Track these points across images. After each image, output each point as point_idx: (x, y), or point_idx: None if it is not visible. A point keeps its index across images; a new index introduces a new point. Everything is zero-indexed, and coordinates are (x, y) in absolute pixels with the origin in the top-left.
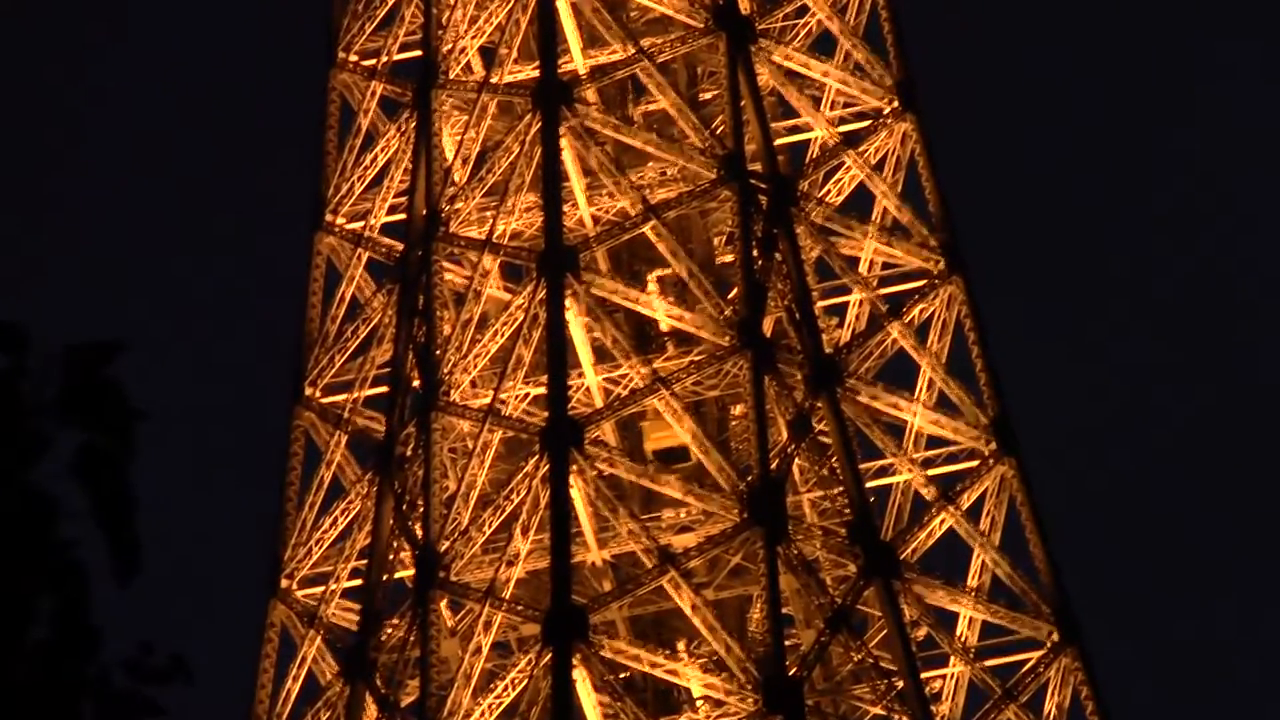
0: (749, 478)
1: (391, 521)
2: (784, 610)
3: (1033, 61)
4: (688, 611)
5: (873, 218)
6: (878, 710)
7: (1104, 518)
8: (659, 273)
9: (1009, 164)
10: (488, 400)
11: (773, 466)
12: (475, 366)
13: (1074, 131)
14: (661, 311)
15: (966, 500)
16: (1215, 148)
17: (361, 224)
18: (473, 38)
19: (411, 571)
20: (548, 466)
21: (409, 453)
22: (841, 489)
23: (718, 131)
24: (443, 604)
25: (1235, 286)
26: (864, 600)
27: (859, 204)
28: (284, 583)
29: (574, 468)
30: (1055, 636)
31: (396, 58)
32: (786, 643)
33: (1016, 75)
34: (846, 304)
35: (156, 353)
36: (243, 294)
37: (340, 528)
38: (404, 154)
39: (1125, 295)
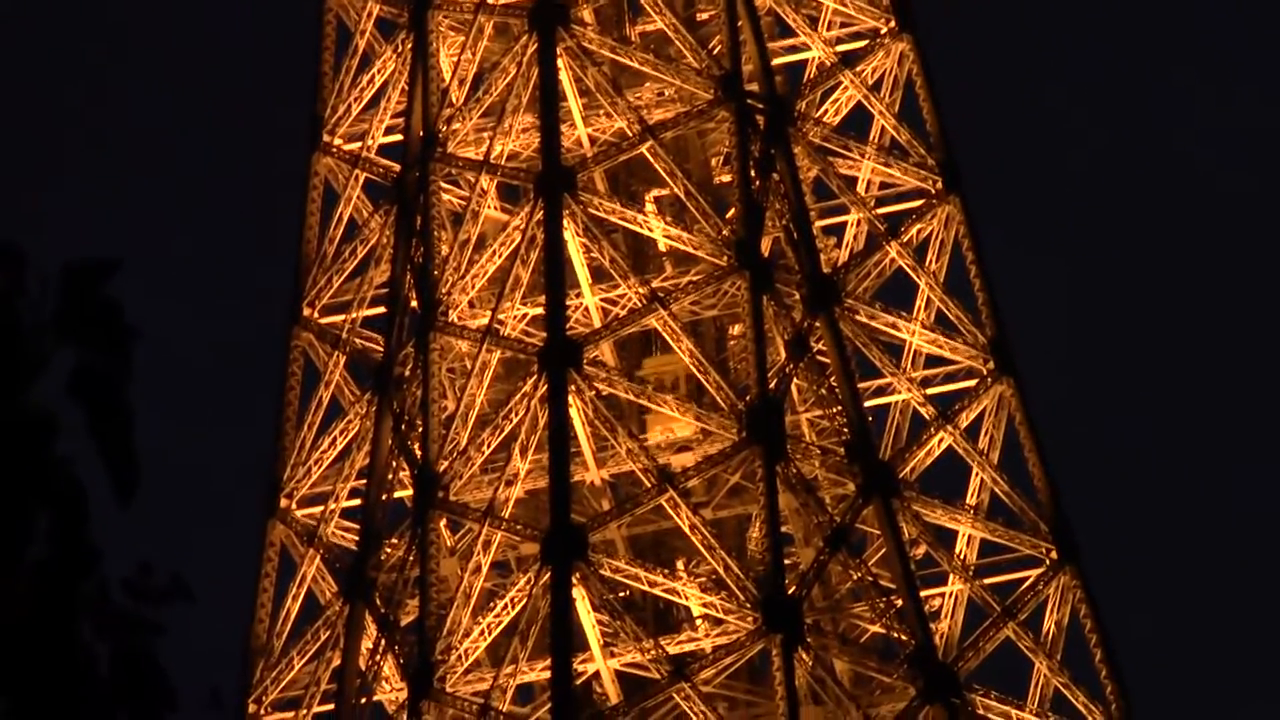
0: (747, 397)
1: (390, 441)
2: (783, 529)
3: None
4: (686, 531)
5: (870, 138)
6: (877, 628)
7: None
8: (656, 193)
9: (1007, 84)
10: (486, 320)
11: (771, 386)
12: (473, 287)
13: (1076, 54)
14: (659, 231)
15: (965, 419)
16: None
17: (359, 145)
18: None
19: (410, 491)
20: (546, 386)
21: (407, 373)
22: (840, 408)
23: (715, 52)
24: (442, 523)
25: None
26: (863, 519)
27: (856, 124)
28: (283, 502)
29: (572, 387)
30: (1054, 554)
31: None
32: (785, 561)
33: None
34: (844, 224)
35: (154, 273)
36: (240, 214)
37: (339, 448)
38: (401, 75)
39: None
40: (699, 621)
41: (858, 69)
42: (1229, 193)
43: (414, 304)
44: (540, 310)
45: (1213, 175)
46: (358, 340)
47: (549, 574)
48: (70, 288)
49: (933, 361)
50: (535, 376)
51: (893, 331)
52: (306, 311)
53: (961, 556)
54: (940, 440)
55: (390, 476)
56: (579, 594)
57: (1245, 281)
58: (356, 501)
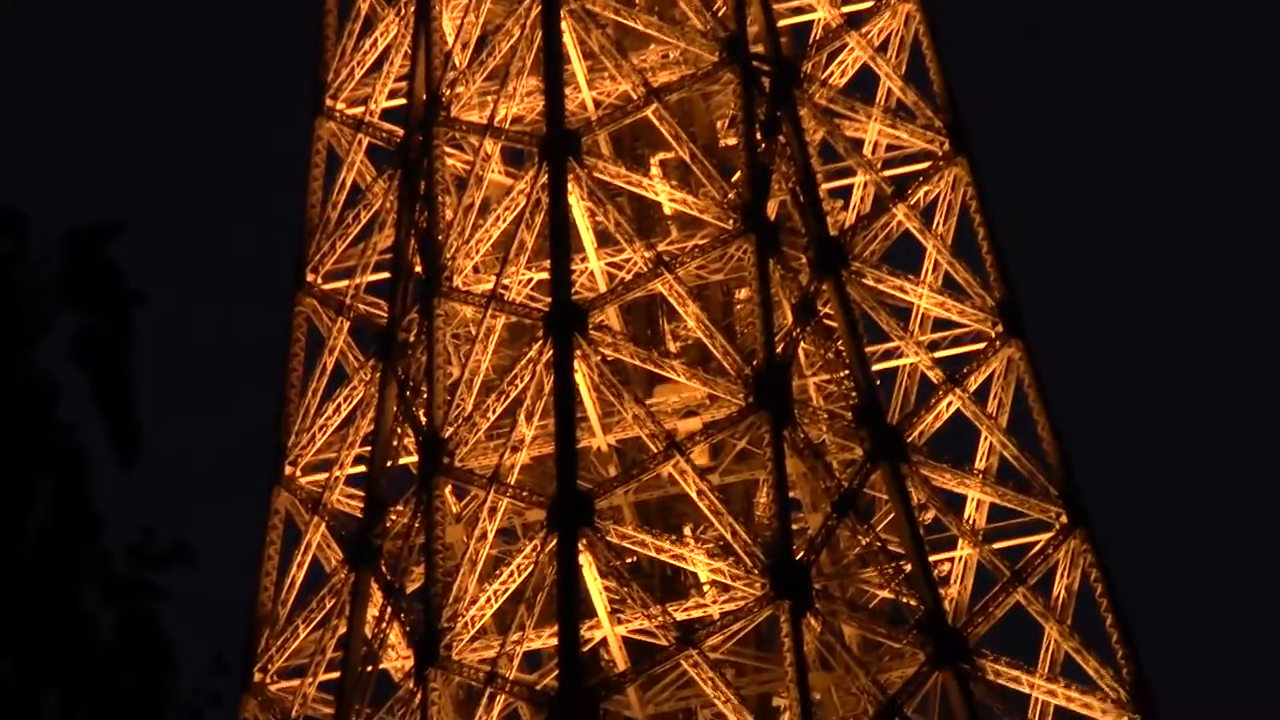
0: (754, 362)
1: (395, 408)
2: (790, 494)
3: None
4: (693, 496)
5: (877, 99)
6: (885, 594)
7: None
8: (661, 156)
9: (1014, 44)
10: (490, 285)
11: (778, 350)
12: (477, 252)
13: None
14: (664, 195)
15: (973, 382)
16: None
17: (362, 109)
18: None
19: (415, 458)
20: (551, 352)
21: (412, 339)
22: (847, 372)
23: (719, 13)
24: (447, 490)
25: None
26: (871, 484)
27: (863, 86)
28: (288, 469)
29: (578, 352)
30: (1064, 518)
31: None
32: (793, 527)
33: None
34: (851, 186)
35: (157, 239)
36: (243, 180)
37: (344, 414)
38: (404, 38)
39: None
40: (706, 588)
41: (864, 30)
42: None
43: (418, 269)
44: (545, 275)
45: (1212, 132)
46: (361, 306)
47: (555, 540)
48: (72, 252)
49: (941, 324)
50: (540, 342)
51: (900, 294)
52: (310, 278)
53: (970, 521)
54: (949, 404)
55: (395, 443)
56: (585, 560)
57: (1270, 238)
58: (361, 468)
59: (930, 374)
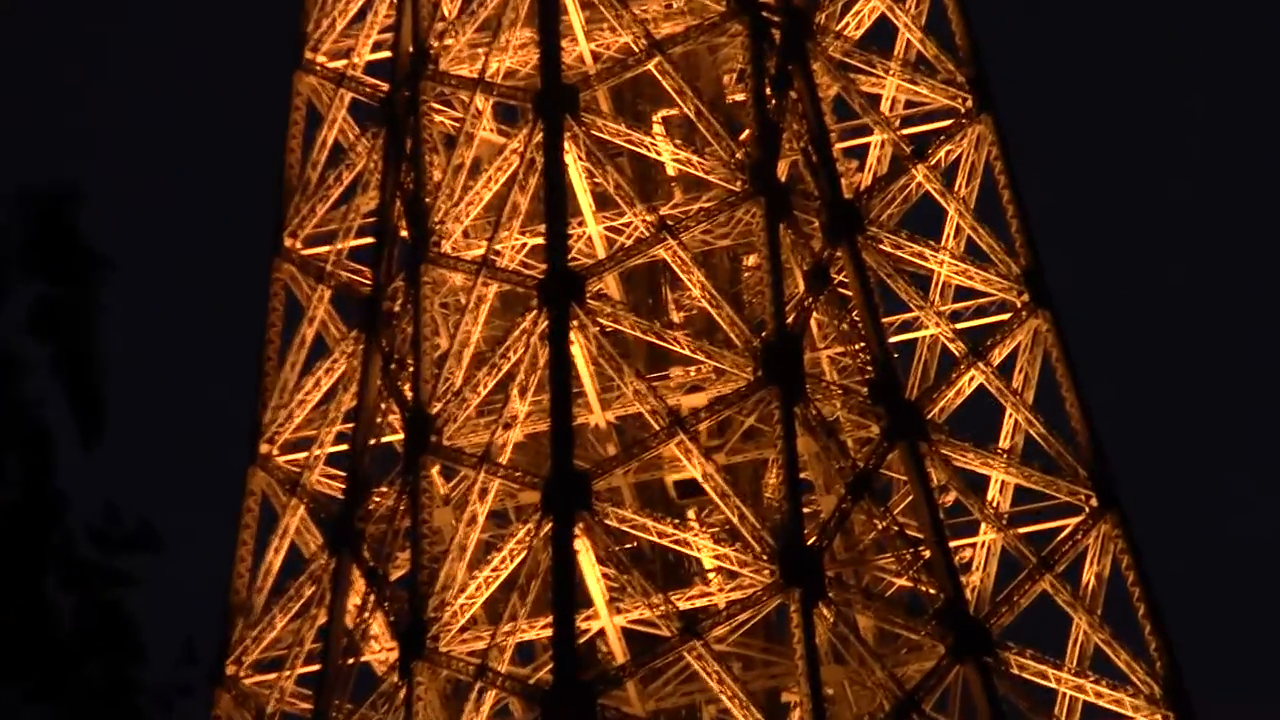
0: (763, 333)
1: (379, 382)
2: (802, 475)
3: None
4: (698, 478)
5: (895, 53)
6: (903, 581)
7: (1146, 374)
8: (665, 113)
9: None
10: (481, 251)
11: (789, 321)
12: (468, 215)
13: None
14: (668, 155)
15: (998, 356)
16: None
17: (344, 62)
18: None
19: (401, 436)
20: (546, 322)
21: (397, 308)
22: (863, 344)
23: None
24: (435, 470)
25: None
26: (888, 464)
27: (880, 38)
28: (264, 448)
29: (575, 323)
30: (1094, 501)
31: None
32: (805, 510)
33: None
34: (867, 146)
35: (128, 201)
36: (218, 138)
37: (324, 389)
38: None
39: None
40: (711, 575)
41: None
42: None
43: (404, 234)
44: (540, 240)
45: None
46: (343, 273)
47: (550, 524)
48: (35, 216)
49: (963, 294)
50: (535, 311)
51: (920, 261)
52: (288, 242)
53: (994, 504)
54: (971, 379)
55: (379, 420)
56: (582, 546)
57: None
58: (343, 447)
59: (951, 346)
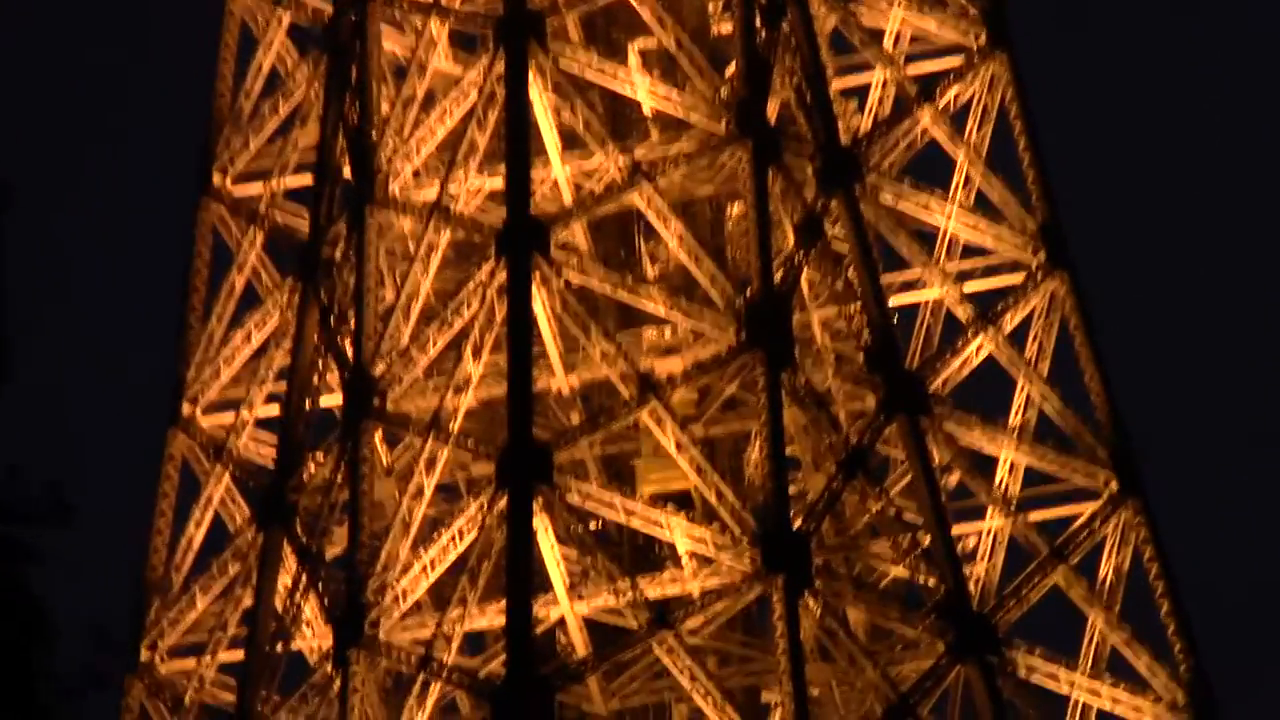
0: (748, 291)
1: (316, 337)
2: (788, 450)
3: None
4: (672, 451)
5: None
6: (899, 571)
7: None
8: (641, 44)
9: None
10: (434, 194)
11: (776, 278)
12: (419, 154)
13: None
14: (644, 90)
15: (1009, 321)
16: None
17: None
18: None
19: (340, 398)
20: (505, 274)
21: (338, 256)
22: (859, 306)
23: None
24: (377, 437)
25: None
26: (884, 440)
27: None
28: (186, 408)
29: (537, 276)
30: (1114, 486)
31: None
32: (790, 490)
33: None
34: (868, 85)
35: (37, 129)
36: (138, 57)
37: (255, 344)
38: None
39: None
40: (685, 560)
41: None
42: None
43: (347, 173)
44: (499, 183)
45: None
46: (279, 215)
47: (505, 500)
48: None
49: (971, 252)
50: (492, 262)
51: (924, 215)
52: (217, 179)
53: (1002, 487)
54: (979, 347)
55: (315, 380)
56: (541, 524)
57: None
58: (275, 409)
59: (958, 310)
